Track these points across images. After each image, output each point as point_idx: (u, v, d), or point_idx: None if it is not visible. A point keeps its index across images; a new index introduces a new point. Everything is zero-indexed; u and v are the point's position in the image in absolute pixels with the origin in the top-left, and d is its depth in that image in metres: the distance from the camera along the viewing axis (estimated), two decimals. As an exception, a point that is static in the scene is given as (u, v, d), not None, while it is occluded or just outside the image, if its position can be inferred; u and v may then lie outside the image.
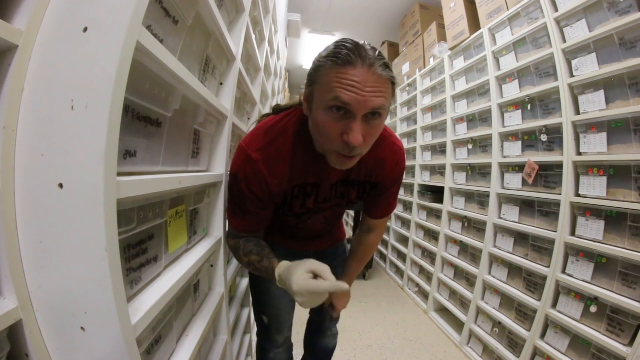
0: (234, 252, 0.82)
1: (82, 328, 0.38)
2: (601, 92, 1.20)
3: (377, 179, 0.81)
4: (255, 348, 1.19)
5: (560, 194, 1.33)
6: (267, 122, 0.75)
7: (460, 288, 1.98)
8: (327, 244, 1.06)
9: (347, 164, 0.66)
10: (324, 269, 0.62)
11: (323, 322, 1.16)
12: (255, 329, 1.30)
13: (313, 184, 0.78)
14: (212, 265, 0.88)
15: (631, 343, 1.06)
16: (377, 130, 0.62)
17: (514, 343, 1.54)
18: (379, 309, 2.41)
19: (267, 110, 1.78)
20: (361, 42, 0.59)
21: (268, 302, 1.02)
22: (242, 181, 0.71)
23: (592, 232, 1.22)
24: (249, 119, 1.38)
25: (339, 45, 0.58)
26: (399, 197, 3.04)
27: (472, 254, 1.91)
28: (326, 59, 0.58)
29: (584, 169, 1.27)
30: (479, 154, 1.94)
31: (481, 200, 1.88)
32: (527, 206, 1.55)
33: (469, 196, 2.00)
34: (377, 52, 0.58)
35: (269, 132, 0.72)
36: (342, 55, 0.56)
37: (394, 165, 0.80)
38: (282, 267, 0.68)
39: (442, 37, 2.36)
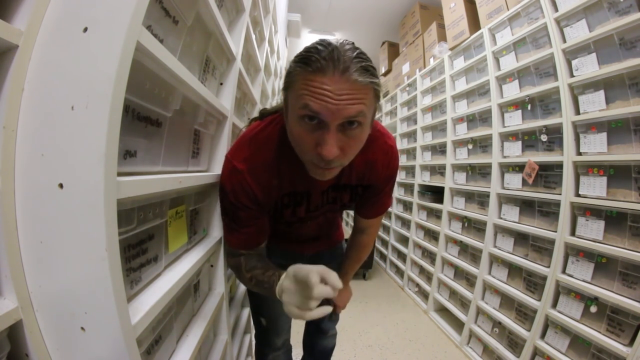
0: (235, 270, 0.77)
1: (82, 328, 0.38)
2: (601, 92, 1.20)
3: (369, 181, 0.78)
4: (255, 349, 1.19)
5: (560, 194, 1.33)
6: (252, 129, 0.72)
7: (460, 288, 1.98)
8: (323, 246, 1.05)
9: (326, 175, 0.62)
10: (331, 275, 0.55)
11: (322, 322, 1.16)
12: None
13: (303, 192, 0.75)
14: (212, 265, 0.88)
15: (631, 343, 1.06)
16: (357, 140, 0.57)
17: (514, 343, 1.54)
18: (379, 309, 2.42)
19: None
20: (339, 41, 0.53)
21: (266, 304, 1.01)
22: (229, 194, 0.68)
23: (592, 232, 1.22)
24: (249, 119, 1.38)
25: (311, 48, 0.53)
26: (399, 197, 3.04)
27: (472, 254, 1.91)
28: (296, 64, 0.54)
29: (584, 169, 1.27)
30: (479, 154, 1.94)
31: (481, 200, 1.88)
32: (527, 206, 1.55)
33: (469, 196, 2.00)
34: (355, 53, 0.52)
35: (253, 141, 0.69)
36: (312, 61, 0.51)
37: (385, 166, 0.77)
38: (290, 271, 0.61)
39: (442, 37, 2.36)
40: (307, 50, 0.53)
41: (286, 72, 0.58)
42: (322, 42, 0.53)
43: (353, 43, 0.55)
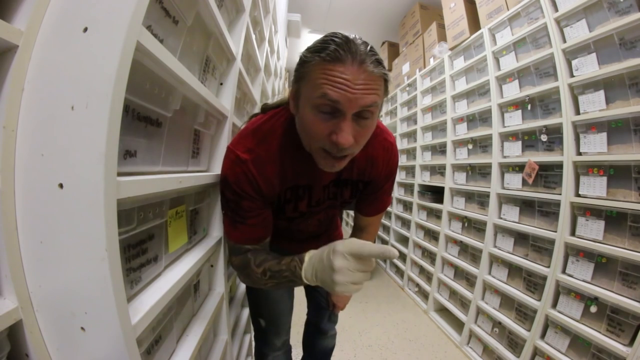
0: (242, 269, 0.72)
1: (82, 328, 0.38)
2: (601, 92, 1.20)
3: (370, 177, 0.79)
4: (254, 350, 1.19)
5: (560, 194, 1.33)
6: (254, 122, 0.72)
7: (460, 288, 1.98)
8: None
9: (336, 166, 0.62)
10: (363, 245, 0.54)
11: (321, 322, 1.15)
12: (255, 329, 1.30)
13: (305, 186, 0.75)
14: (212, 265, 0.88)
15: (631, 343, 1.06)
16: (369, 129, 0.59)
17: (514, 343, 1.54)
18: (379, 309, 2.41)
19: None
20: (351, 36, 0.55)
21: (266, 305, 1.01)
22: (232, 184, 0.67)
23: (592, 232, 1.22)
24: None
25: (327, 39, 0.54)
26: (399, 197, 3.04)
27: (472, 254, 1.91)
28: (313, 55, 0.55)
29: (584, 169, 1.27)
30: (479, 154, 1.94)
31: (481, 200, 1.88)
32: (527, 206, 1.55)
33: (469, 196, 2.00)
34: (368, 47, 0.55)
35: (256, 132, 0.69)
36: (331, 51, 0.52)
37: (385, 163, 0.78)
38: (311, 253, 0.61)
39: (442, 37, 2.36)
40: (324, 41, 0.55)
41: (299, 63, 0.59)
42: (336, 35, 0.55)
43: (361, 38, 0.57)
